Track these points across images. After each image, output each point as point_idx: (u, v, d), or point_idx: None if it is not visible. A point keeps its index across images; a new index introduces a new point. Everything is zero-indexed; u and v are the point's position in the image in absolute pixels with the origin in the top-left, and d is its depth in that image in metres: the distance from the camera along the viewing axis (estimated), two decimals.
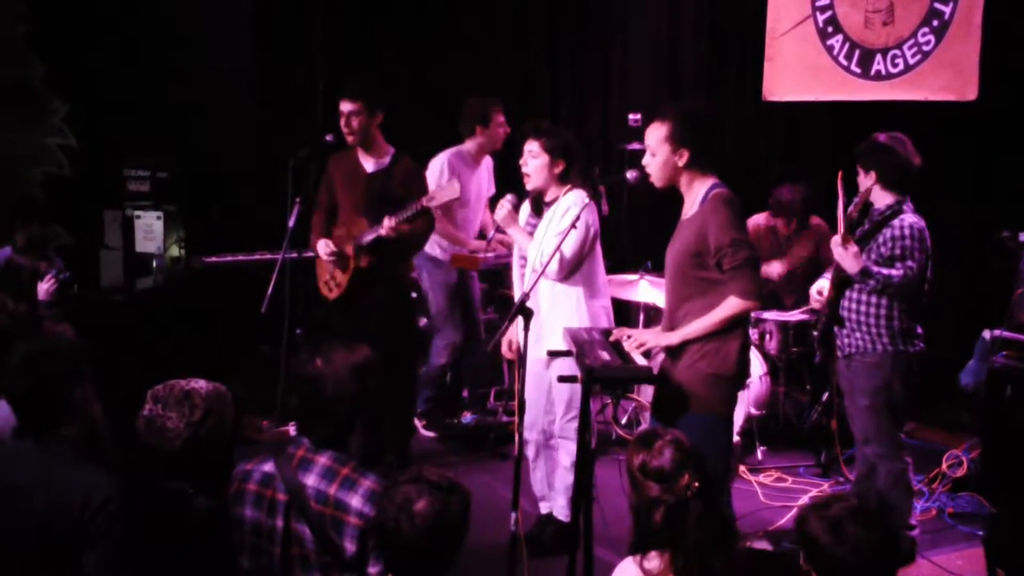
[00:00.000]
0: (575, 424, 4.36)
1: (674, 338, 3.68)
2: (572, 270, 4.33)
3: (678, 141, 3.62)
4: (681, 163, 3.64)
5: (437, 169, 5.74)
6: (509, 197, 4.50)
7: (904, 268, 4.19)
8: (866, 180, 4.33)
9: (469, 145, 5.89)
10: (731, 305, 3.57)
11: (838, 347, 4.42)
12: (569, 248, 4.23)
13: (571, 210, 4.15)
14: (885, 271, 4.18)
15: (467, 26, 7.86)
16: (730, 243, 3.54)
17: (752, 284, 3.57)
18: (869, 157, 4.33)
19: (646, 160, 3.72)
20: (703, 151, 3.66)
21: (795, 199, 6.07)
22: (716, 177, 3.70)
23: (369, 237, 4.91)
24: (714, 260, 3.58)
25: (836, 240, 4.21)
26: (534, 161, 4.37)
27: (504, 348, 4.63)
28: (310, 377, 2.77)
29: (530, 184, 4.42)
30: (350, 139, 5.04)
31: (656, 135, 3.66)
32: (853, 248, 4.19)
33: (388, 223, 4.79)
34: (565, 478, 4.48)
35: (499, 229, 4.80)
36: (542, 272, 4.06)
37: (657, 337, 3.77)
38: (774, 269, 6.10)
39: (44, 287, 4.98)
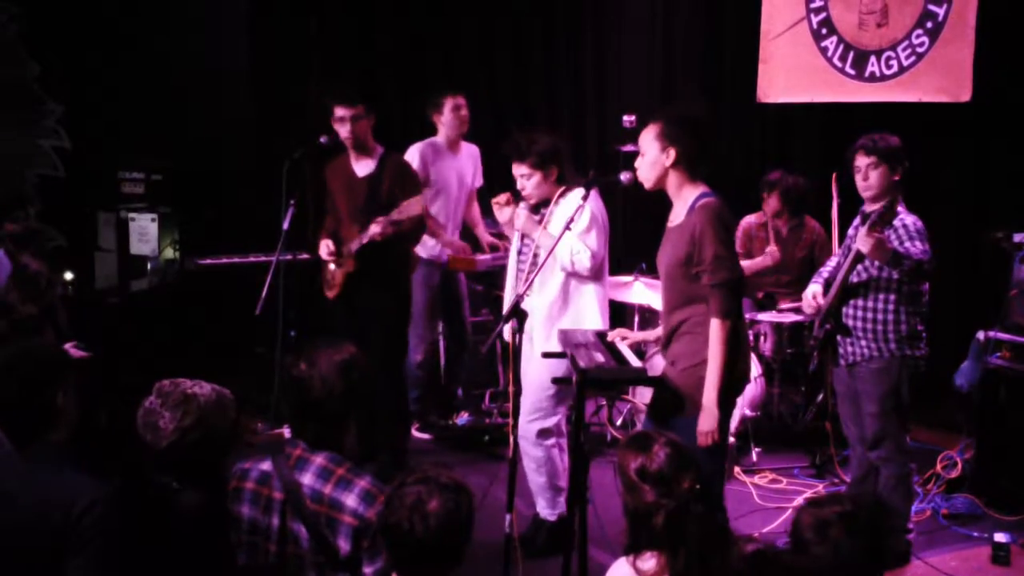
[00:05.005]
0: (535, 427, 4.41)
1: (710, 404, 3.54)
2: (600, 264, 4.35)
3: (667, 139, 3.59)
4: (668, 162, 3.60)
5: (412, 159, 5.77)
6: (523, 204, 4.46)
7: (922, 251, 4.11)
8: (875, 178, 4.23)
9: (439, 135, 5.97)
10: (717, 330, 3.52)
11: (841, 355, 4.39)
12: (594, 241, 4.28)
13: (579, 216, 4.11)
14: (914, 250, 4.09)
15: (464, 27, 7.85)
16: (712, 259, 3.51)
17: (728, 304, 3.53)
18: (896, 157, 4.23)
19: (637, 161, 3.71)
20: (693, 153, 3.61)
21: (783, 179, 6.12)
22: (706, 186, 3.65)
23: (358, 243, 4.98)
24: (695, 272, 3.57)
25: (862, 232, 4.07)
26: (529, 182, 4.37)
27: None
28: (297, 380, 2.78)
29: (532, 200, 4.43)
30: (348, 142, 5.09)
31: (647, 135, 3.66)
32: (880, 235, 4.05)
33: (375, 228, 4.86)
34: (535, 480, 4.52)
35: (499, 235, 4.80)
36: (540, 267, 4.06)
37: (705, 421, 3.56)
38: (770, 256, 6.09)
39: (76, 353, 4.62)
